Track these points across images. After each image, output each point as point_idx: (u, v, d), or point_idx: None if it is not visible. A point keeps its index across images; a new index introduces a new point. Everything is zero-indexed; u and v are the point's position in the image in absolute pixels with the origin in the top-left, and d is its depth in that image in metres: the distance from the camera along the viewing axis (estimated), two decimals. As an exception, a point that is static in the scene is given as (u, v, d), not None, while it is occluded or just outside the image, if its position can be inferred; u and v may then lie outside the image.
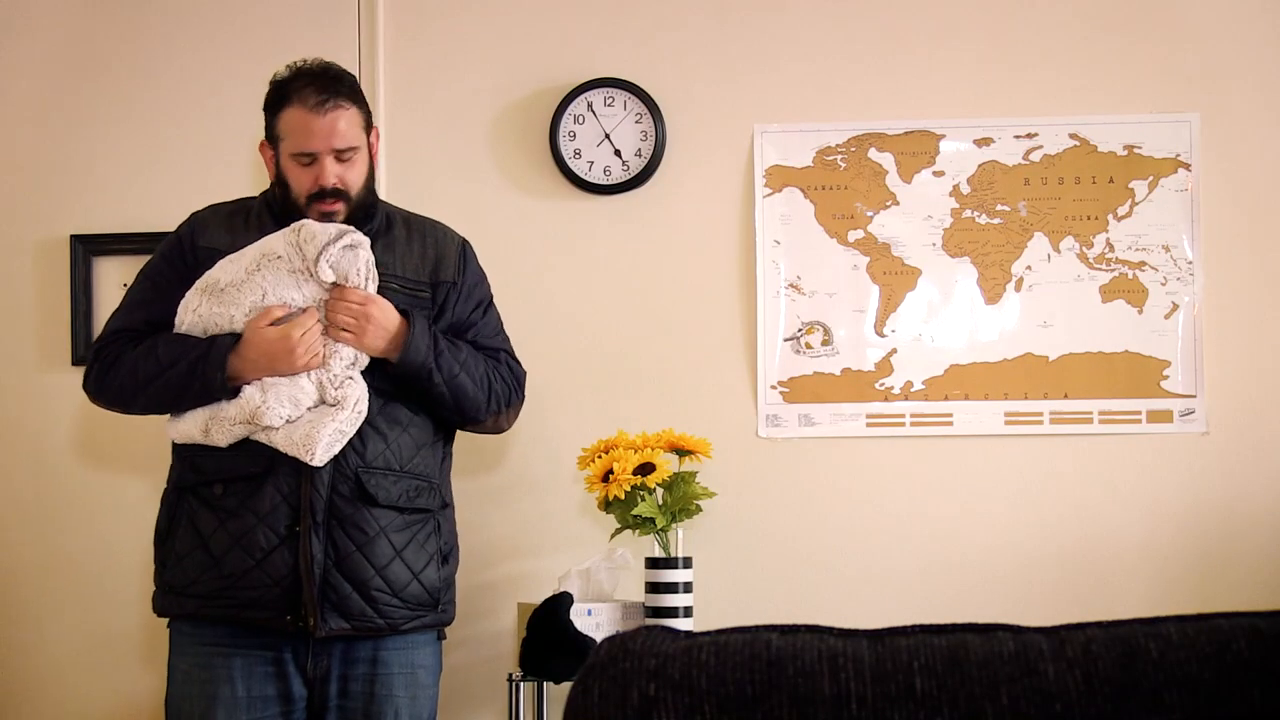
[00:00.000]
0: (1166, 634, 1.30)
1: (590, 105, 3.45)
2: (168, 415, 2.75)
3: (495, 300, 2.95)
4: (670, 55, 3.46)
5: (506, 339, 2.93)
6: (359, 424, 2.66)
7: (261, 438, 2.64)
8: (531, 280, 3.45)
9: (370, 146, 2.78)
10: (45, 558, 3.50)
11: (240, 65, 3.51)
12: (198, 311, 2.69)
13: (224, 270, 2.68)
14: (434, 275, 2.80)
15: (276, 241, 2.66)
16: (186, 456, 2.74)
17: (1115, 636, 1.31)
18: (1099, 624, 1.36)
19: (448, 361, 2.71)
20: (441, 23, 3.51)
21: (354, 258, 2.63)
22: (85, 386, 2.78)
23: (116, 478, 3.49)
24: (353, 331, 2.65)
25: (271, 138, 2.76)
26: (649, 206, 3.45)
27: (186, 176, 3.48)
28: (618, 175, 3.45)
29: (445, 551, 2.80)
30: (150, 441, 3.42)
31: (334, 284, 2.65)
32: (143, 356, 2.69)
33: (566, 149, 3.45)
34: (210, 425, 2.65)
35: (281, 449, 2.62)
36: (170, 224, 2.88)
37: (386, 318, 2.67)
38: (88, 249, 3.51)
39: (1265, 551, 3.30)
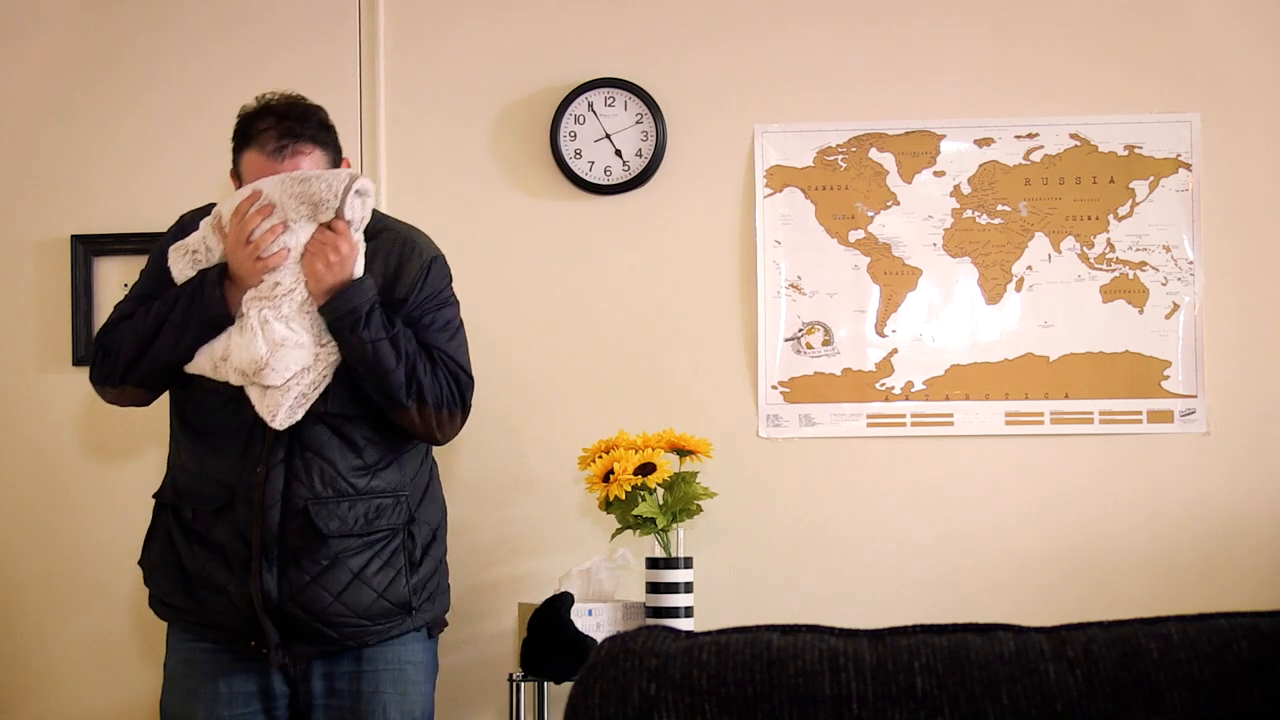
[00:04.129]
0: (1167, 634, 1.30)
1: (591, 105, 3.45)
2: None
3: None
4: (670, 55, 3.46)
5: (458, 350, 2.76)
6: (323, 386, 2.62)
7: (247, 386, 2.62)
8: (531, 280, 3.45)
9: None
10: (45, 559, 3.50)
11: (241, 65, 3.51)
12: (188, 258, 2.68)
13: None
14: (388, 292, 2.69)
15: (272, 189, 2.61)
16: (171, 470, 2.77)
17: (1116, 636, 1.31)
18: (1100, 624, 1.36)
19: (378, 324, 2.60)
20: (442, 23, 3.51)
21: (360, 204, 2.61)
22: (92, 376, 2.74)
23: (117, 478, 3.49)
24: (317, 255, 2.58)
25: (236, 173, 2.74)
26: (649, 206, 3.45)
27: (186, 176, 3.48)
28: (618, 175, 3.45)
29: (418, 558, 2.75)
30: (151, 442, 3.42)
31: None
32: (140, 317, 2.68)
33: (567, 149, 3.45)
34: (220, 366, 2.64)
35: (254, 405, 2.61)
36: (170, 224, 2.88)
37: (349, 261, 2.60)
38: (88, 249, 3.51)
39: (1266, 551, 3.30)
